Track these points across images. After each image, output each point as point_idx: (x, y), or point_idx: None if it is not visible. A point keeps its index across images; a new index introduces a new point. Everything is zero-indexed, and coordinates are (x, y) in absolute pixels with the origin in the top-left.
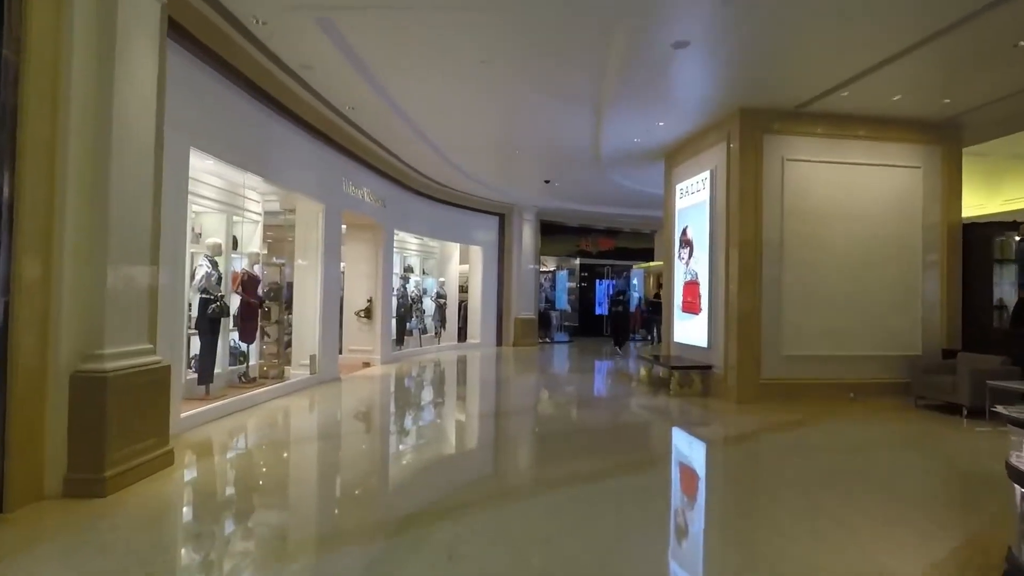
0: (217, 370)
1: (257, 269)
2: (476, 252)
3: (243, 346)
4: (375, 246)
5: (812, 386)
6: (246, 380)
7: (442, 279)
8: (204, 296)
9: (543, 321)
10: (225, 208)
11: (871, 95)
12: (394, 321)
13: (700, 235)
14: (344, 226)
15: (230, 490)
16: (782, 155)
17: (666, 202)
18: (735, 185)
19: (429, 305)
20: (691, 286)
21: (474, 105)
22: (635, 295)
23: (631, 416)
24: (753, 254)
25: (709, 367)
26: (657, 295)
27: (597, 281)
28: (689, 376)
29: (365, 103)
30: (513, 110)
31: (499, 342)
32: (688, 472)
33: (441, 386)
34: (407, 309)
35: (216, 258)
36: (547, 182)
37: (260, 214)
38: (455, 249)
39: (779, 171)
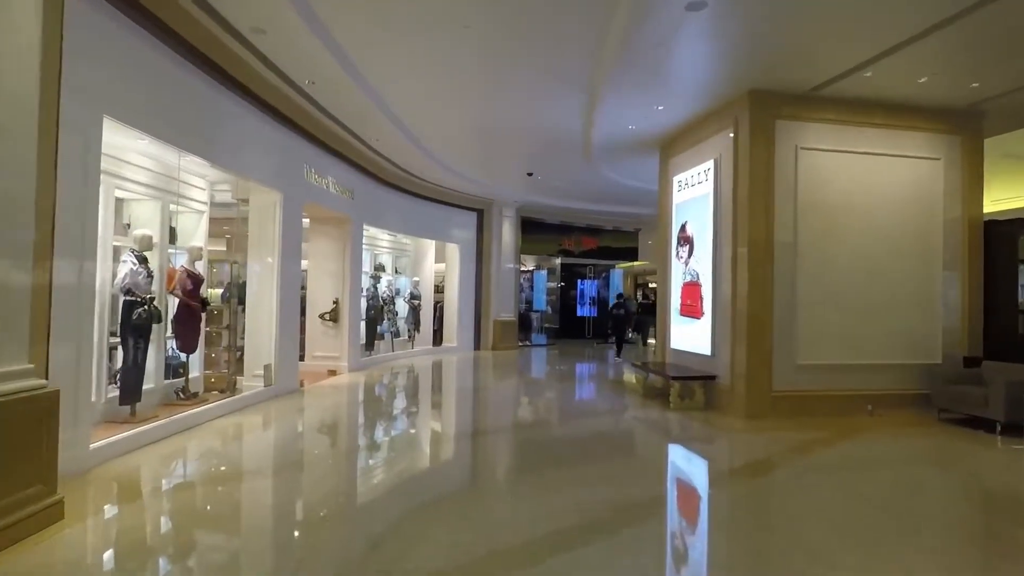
0: (149, 385)
1: (199, 267)
2: (453, 250)
3: (183, 356)
4: (342, 242)
5: (827, 399)
6: (186, 396)
7: (416, 279)
8: (129, 299)
9: (523, 323)
10: (161, 195)
11: (896, 76)
12: (363, 324)
13: (702, 231)
14: (307, 219)
15: (134, 555)
16: (795, 143)
17: (661, 196)
18: (743, 176)
19: (402, 307)
20: (691, 288)
21: (452, 84)
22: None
23: (628, 436)
24: (764, 252)
25: (713, 377)
26: (645, 295)
27: (579, 281)
28: (690, 387)
29: (327, 77)
30: (496, 90)
31: (477, 346)
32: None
33: (413, 398)
34: (378, 311)
35: (146, 253)
36: (530, 175)
37: (205, 203)
38: (430, 247)
39: (792, 160)
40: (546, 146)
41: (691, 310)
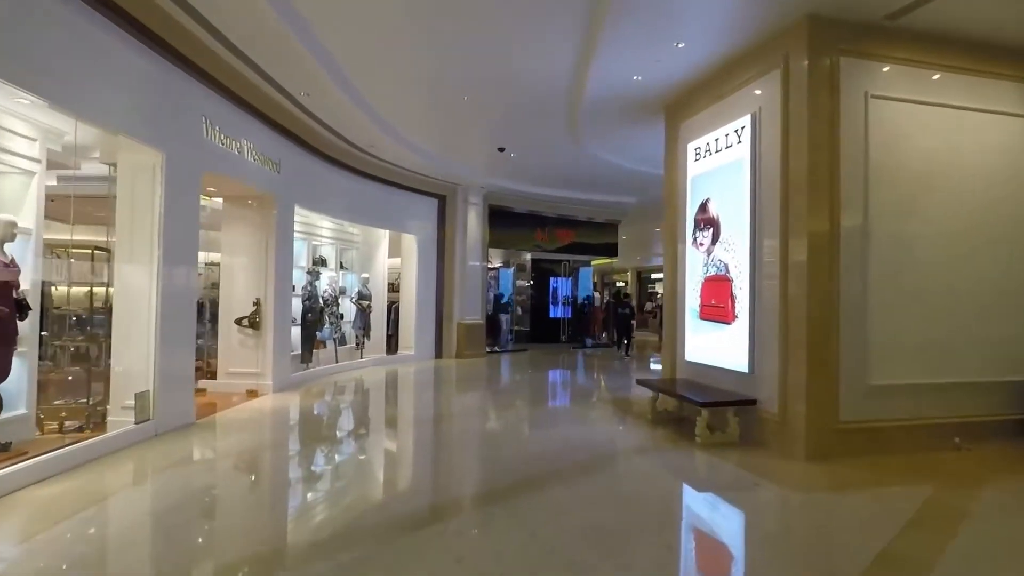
0: None
1: (10, 252)
2: (410, 242)
3: None
4: (265, 229)
5: (906, 431)
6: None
7: (365, 275)
8: None
9: (491, 326)
10: None
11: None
12: (298, 331)
13: (733, 210)
14: (218, 200)
15: None
16: (866, 89)
17: (668, 170)
18: (798, 134)
19: (349, 309)
20: (717, 284)
21: (407, 20)
22: (596, 295)
23: (647, 499)
24: (827, 236)
25: (753, 402)
26: (626, 294)
27: (551, 279)
28: (723, 415)
29: None
30: (464, 29)
31: (438, 353)
32: None
33: (354, 432)
34: (316, 314)
35: None
36: (501, 150)
37: (37, 160)
38: (383, 238)
39: (860, 113)
40: (524, 111)
41: (717, 312)
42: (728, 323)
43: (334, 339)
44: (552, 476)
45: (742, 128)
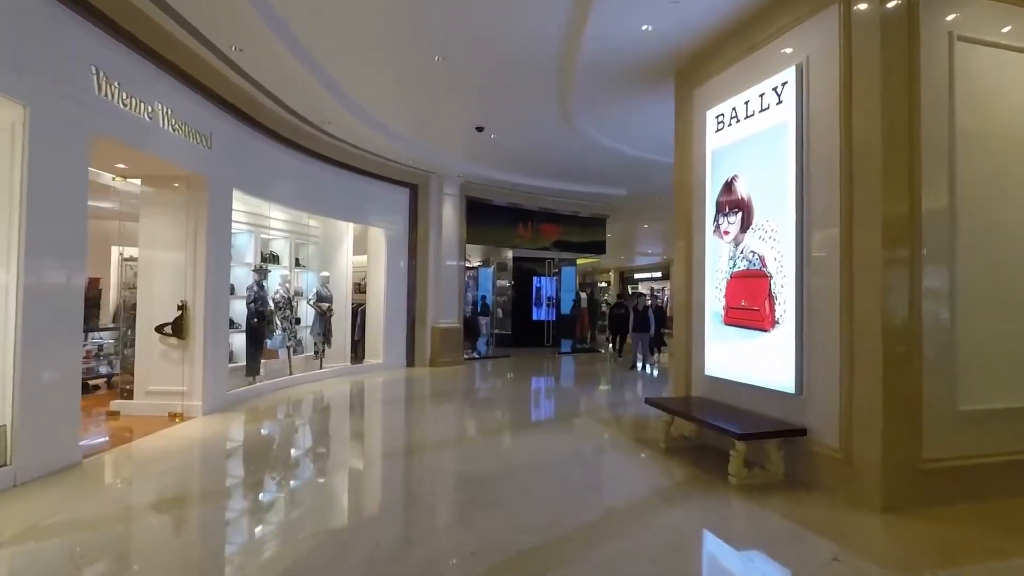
0: None
1: None
2: (377, 237)
3: None
4: (194, 217)
5: (1007, 468)
6: None
7: (325, 274)
8: None
9: (470, 330)
10: None
11: None
12: (243, 338)
13: (771, 188)
14: (135, 181)
15: None
16: (950, 30)
17: (680, 145)
18: (868, 86)
19: (308, 312)
20: (748, 281)
21: None
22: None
23: None
24: (904, 221)
25: (802, 432)
26: (620, 295)
27: (535, 279)
28: (762, 448)
29: None
30: None
31: (410, 361)
32: None
33: (297, 475)
34: (265, 319)
35: None
36: (480, 130)
37: None
38: (347, 232)
39: (943, 60)
40: (507, 78)
41: (748, 317)
42: (765, 330)
43: (287, 347)
44: (559, 547)
45: (783, 85)
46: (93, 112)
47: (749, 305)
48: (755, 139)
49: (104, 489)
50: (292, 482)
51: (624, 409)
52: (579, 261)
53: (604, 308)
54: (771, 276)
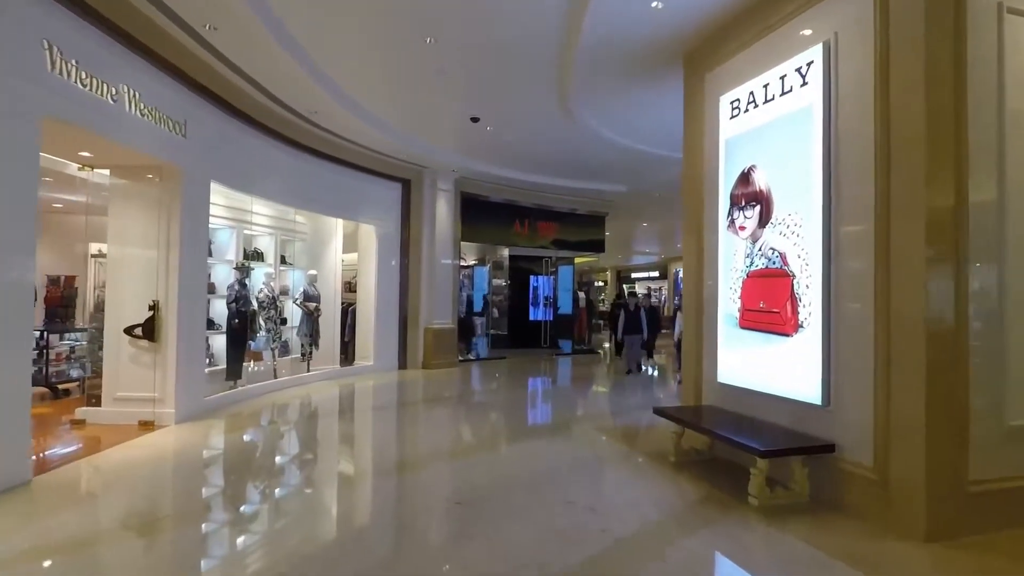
0: None
1: None
2: (368, 234)
3: None
4: (168, 211)
5: None
6: None
7: (312, 272)
8: None
9: (464, 331)
10: None
11: None
12: (223, 339)
13: (793, 178)
14: (105, 170)
15: None
16: (999, 0)
17: (689, 135)
18: (909, 62)
19: (295, 312)
20: (767, 281)
21: None
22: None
23: None
24: (953, 212)
25: (830, 448)
26: (618, 294)
27: (532, 278)
28: (786, 466)
29: None
30: None
31: (402, 363)
32: None
33: (274, 496)
34: (248, 320)
35: None
36: (475, 121)
37: None
38: (336, 229)
39: (993, 33)
40: (504, 63)
41: (767, 320)
42: (786, 334)
43: (272, 349)
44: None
45: (808, 65)
46: (44, 92)
47: (768, 307)
48: (776, 125)
49: (47, 514)
50: (263, 505)
51: (627, 416)
52: (577, 260)
53: (602, 307)
54: (794, 275)
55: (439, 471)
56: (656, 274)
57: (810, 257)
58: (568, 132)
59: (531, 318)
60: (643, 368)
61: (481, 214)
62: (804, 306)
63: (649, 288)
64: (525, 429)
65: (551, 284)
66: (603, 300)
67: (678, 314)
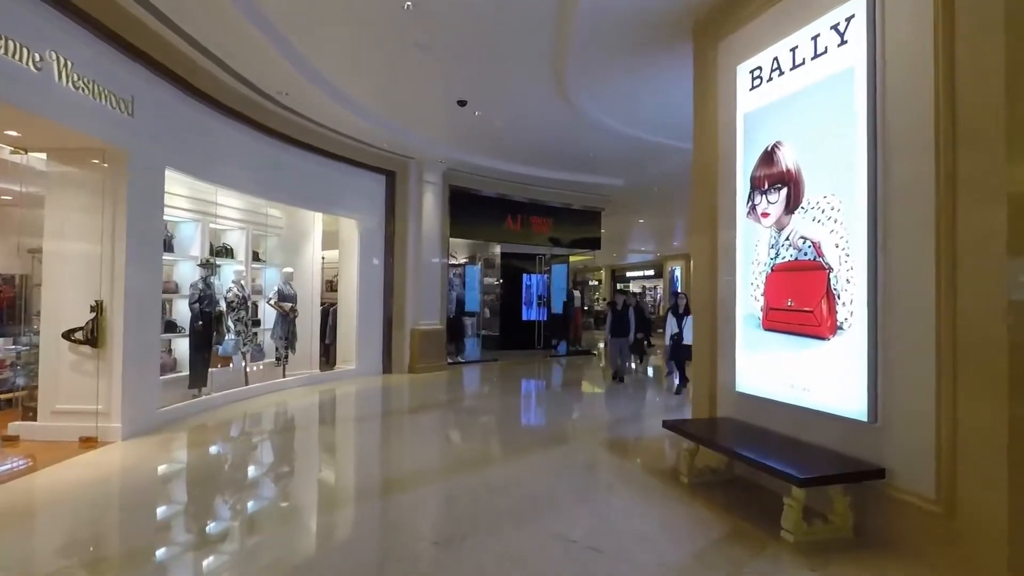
0: None
1: None
2: (350, 228)
3: None
4: (113, 198)
5: None
6: None
7: (288, 270)
8: None
9: (454, 332)
10: None
11: None
12: (185, 343)
13: (829, 155)
14: (42, 154)
15: None
16: None
17: (700, 111)
18: (979, 6)
19: (270, 313)
20: (797, 276)
21: None
22: (574, 294)
23: None
24: None
25: (879, 473)
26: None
27: (524, 276)
28: (825, 493)
29: None
30: None
31: (387, 367)
32: None
33: (216, 529)
34: (212, 321)
35: None
36: (462, 104)
37: None
38: (315, 223)
39: None
40: (492, 38)
41: (798, 320)
42: (821, 337)
43: (242, 353)
44: None
45: (847, 20)
46: None
47: (799, 305)
48: (807, 94)
49: None
50: (204, 546)
51: (628, 426)
52: (572, 259)
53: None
54: (830, 268)
55: (419, 498)
56: (651, 272)
57: (851, 246)
58: (563, 117)
59: (524, 318)
60: (630, 372)
61: (471, 209)
62: (843, 304)
63: (643, 287)
64: (517, 443)
65: (544, 283)
66: (597, 299)
67: (670, 314)
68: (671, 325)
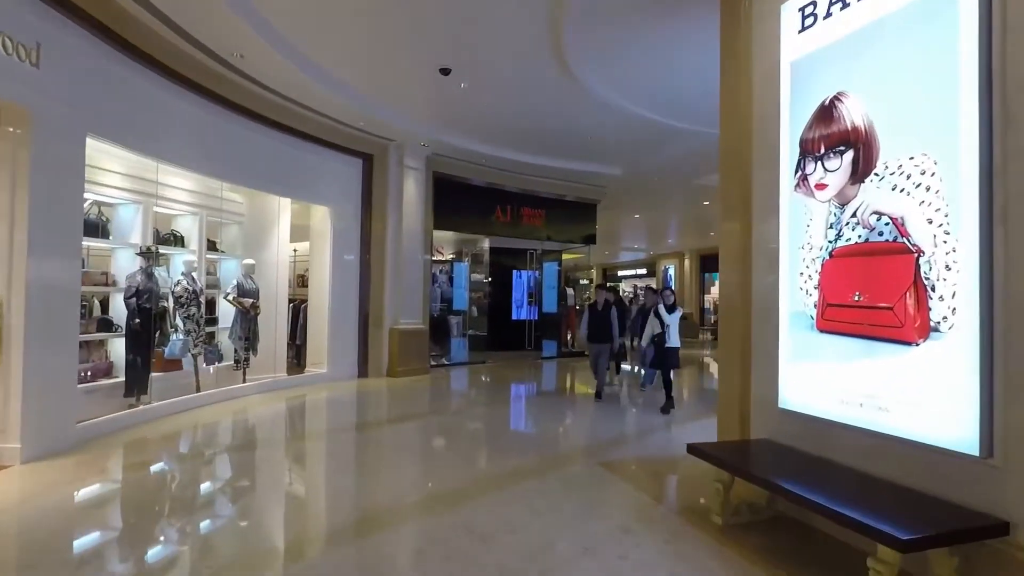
0: None
1: None
2: (322, 217)
3: None
4: (8, 169)
5: None
6: None
7: (249, 261)
8: None
9: (438, 332)
10: None
11: None
12: (120, 344)
13: (917, 107)
14: None
15: None
16: None
17: (729, 65)
18: None
19: (228, 310)
20: (869, 261)
21: None
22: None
23: None
24: None
25: (1002, 528)
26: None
27: (515, 273)
28: (922, 554)
29: None
30: None
31: (363, 371)
32: None
33: None
34: (153, 319)
35: None
36: (446, 73)
37: None
38: (281, 210)
39: None
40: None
41: (871, 320)
42: (906, 342)
43: (193, 356)
44: None
45: None
46: None
47: (871, 300)
48: (883, 26)
49: None
50: None
51: (637, 444)
52: (564, 256)
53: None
54: (920, 252)
55: (387, 551)
56: (643, 271)
57: (953, 223)
58: (560, 92)
59: (513, 318)
60: (611, 386)
61: (457, 198)
62: (939, 299)
63: (636, 285)
64: (507, 465)
65: (535, 281)
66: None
67: (651, 315)
68: (653, 325)
